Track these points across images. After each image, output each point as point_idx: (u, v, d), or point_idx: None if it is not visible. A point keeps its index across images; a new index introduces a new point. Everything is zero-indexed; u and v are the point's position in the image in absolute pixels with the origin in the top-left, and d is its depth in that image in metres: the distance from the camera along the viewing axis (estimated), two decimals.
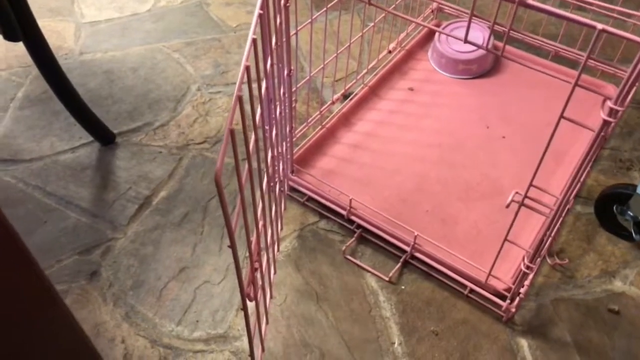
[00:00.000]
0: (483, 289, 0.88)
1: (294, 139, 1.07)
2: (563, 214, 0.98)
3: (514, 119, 1.16)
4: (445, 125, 1.14)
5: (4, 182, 1.05)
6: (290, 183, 1.03)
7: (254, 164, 0.65)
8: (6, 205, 1.01)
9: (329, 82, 1.24)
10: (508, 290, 0.86)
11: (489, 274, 0.86)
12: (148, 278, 0.92)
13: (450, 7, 1.38)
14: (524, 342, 0.85)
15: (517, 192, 0.72)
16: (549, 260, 0.94)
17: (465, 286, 0.90)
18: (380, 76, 1.23)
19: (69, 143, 1.12)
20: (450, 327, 0.86)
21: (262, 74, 0.59)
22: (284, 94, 0.84)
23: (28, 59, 0.98)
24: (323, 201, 1.00)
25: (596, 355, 0.83)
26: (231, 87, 1.25)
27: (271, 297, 0.88)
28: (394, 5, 1.26)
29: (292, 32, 0.87)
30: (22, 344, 0.46)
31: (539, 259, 0.92)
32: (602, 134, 0.59)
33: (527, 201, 0.71)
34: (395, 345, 0.84)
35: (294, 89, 0.91)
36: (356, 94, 1.19)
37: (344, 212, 0.98)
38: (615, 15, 1.12)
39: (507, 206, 0.71)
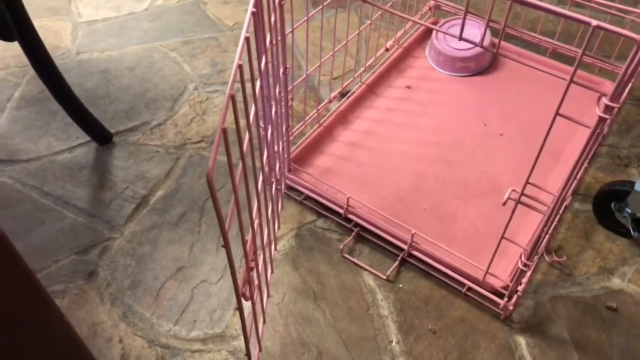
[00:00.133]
0: (481, 287, 0.88)
1: (291, 138, 1.07)
2: (560, 211, 0.98)
3: (512, 116, 1.15)
4: (443, 123, 1.14)
5: (1, 183, 1.05)
6: (288, 182, 1.03)
7: (249, 163, 0.65)
8: (3, 205, 1.01)
9: (326, 80, 1.24)
10: (506, 288, 0.85)
11: (487, 272, 0.85)
12: (145, 278, 0.91)
13: (448, 5, 1.38)
14: (522, 340, 0.85)
15: (513, 190, 0.71)
16: (547, 258, 0.94)
17: (463, 284, 0.90)
18: (378, 74, 1.23)
19: (66, 143, 1.12)
20: (448, 325, 0.86)
21: (256, 73, 0.59)
22: (279, 92, 0.84)
23: (25, 59, 0.98)
24: (320, 200, 1.00)
25: (594, 352, 0.83)
26: (228, 86, 1.25)
27: (268, 296, 0.88)
28: (390, 3, 1.26)
29: (288, 30, 0.87)
30: (13, 346, 0.46)
31: (536, 257, 0.92)
32: (598, 130, 0.59)
33: (523, 199, 0.71)
34: (393, 343, 0.84)
35: (290, 88, 0.91)
36: (353, 92, 1.19)
37: (341, 211, 0.97)
38: (613, 12, 1.12)
39: (504, 204, 0.71)
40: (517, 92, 1.21)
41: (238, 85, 0.51)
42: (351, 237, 0.96)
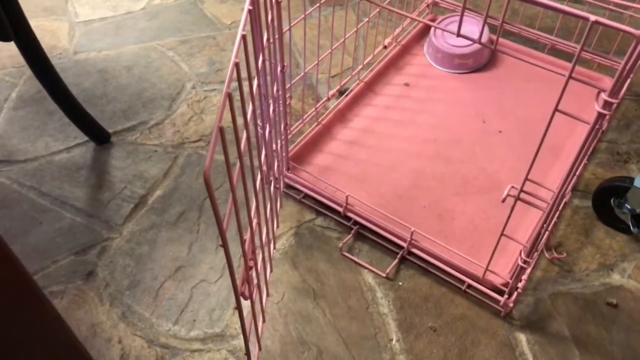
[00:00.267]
0: (481, 284, 0.88)
1: (290, 136, 1.07)
2: (560, 208, 0.98)
3: (511, 113, 1.15)
4: (441, 121, 1.14)
5: None
6: (286, 180, 1.03)
7: (247, 162, 0.65)
8: (1, 206, 1.01)
9: (324, 78, 1.24)
10: (506, 285, 0.85)
11: (487, 269, 0.85)
12: (144, 278, 0.91)
13: (446, 2, 1.38)
14: (522, 337, 0.84)
15: (513, 187, 0.71)
16: (546, 254, 0.94)
17: (462, 282, 0.89)
18: (376, 72, 1.23)
19: (64, 143, 1.12)
20: (448, 322, 0.86)
21: (253, 71, 0.59)
22: (277, 90, 0.84)
23: (21, 59, 0.98)
24: (319, 198, 1.00)
25: (594, 349, 0.83)
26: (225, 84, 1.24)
27: (268, 295, 0.88)
28: (388, 0, 1.25)
29: (286, 28, 0.86)
30: (10, 348, 0.45)
31: (536, 254, 0.92)
32: (597, 126, 0.59)
33: (523, 195, 0.71)
34: (393, 341, 0.84)
35: (288, 86, 0.91)
36: (352, 90, 1.18)
37: (340, 209, 0.97)
38: (611, 7, 1.12)
39: (503, 201, 0.71)
40: (516, 88, 1.21)
41: (235, 84, 0.50)
42: (350, 235, 0.96)
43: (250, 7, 0.56)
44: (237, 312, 0.87)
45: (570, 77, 0.56)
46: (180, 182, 1.05)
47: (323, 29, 1.35)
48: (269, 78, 0.75)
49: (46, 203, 1.01)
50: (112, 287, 0.90)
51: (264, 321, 0.84)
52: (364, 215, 0.96)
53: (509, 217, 0.74)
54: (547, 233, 0.93)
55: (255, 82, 0.60)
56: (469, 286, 0.89)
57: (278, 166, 0.95)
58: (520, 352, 0.83)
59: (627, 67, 0.53)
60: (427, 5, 1.39)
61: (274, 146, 0.88)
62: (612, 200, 0.94)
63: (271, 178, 0.86)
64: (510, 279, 0.84)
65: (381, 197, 1.00)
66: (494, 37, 1.30)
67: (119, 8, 1.46)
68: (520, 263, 0.80)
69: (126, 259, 0.94)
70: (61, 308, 0.88)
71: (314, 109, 1.12)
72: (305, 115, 1.12)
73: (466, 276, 0.89)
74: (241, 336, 0.84)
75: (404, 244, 0.92)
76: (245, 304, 0.80)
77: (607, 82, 1.19)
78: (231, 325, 0.86)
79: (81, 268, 0.92)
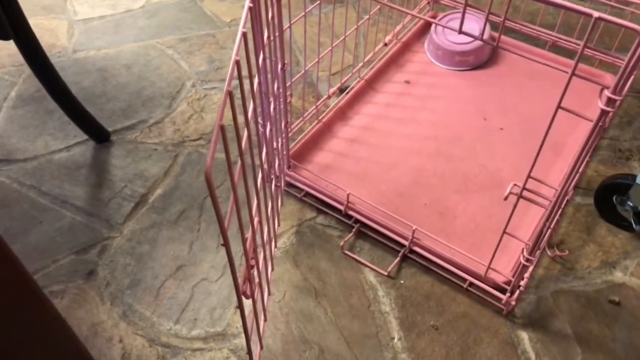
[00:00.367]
0: (483, 282, 0.88)
1: (290, 134, 1.06)
2: (562, 205, 0.97)
3: (512, 110, 1.15)
4: (442, 118, 1.13)
5: None
6: (287, 178, 1.02)
7: (248, 161, 0.64)
8: (1, 205, 1.00)
9: (325, 76, 1.23)
10: (508, 283, 0.85)
11: (489, 267, 0.85)
12: (145, 277, 0.91)
13: None
14: (524, 335, 0.84)
15: (515, 184, 0.71)
16: (548, 252, 0.93)
17: (464, 280, 0.89)
18: (377, 69, 1.22)
19: (64, 142, 1.12)
20: (450, 321, 0.86)
21: (253, 69, 0.58)
22: (278, 88, 0.83)
23: (21, 58, 0.97)
24: (320, 196, 1.00)
25: (597, 346, 0.83)
26: (226, 82, 1.24)
27: (269, 293, 0.87)
28: None
29: (286, 25, 0.86)
30: (10, 347, 0.45)
31: (538, 251, 0.91)
32: (600, 123, 0.58)
33: (525, 193, 0.71)
34: (395, 340, 0.84)
35: (288, 84, 0.90)
36: (352, 88, 1.18)
37: (341, 207, 0.97)
38: (612, 3, 1.11)
39: (506, 198, 0.71)
40: (517, 85, 1.20)
41: (236, 82, 0.50)
42: (352, 234, 0.96)
43: (251, 5, 0.56)
44: (238, 311, 0.87)
45: (573, 74, 0.56)
46: (180, 180, 1.05)
47: (323, 26, 1.35)
48: (269, 76, 0.75)
49: (46, 202, 1.01)
50: (112, 286, 0.90)
51: (265, 320, 0.84)
52: (365, 213, 0.95)
53: (511, 215, 0.74)
54: (549, 231, 0.93)
55: (256, 80, 0.60)
56: (471, 284, 0.89)
57: (279, 164, 0.95)
58: (522, 350, 0.83)
59: (631, 64, 0.53)
60: (428, 3, 1.38)
61: (274, 144, 0.88)
62: (614, 198, 0.94)
63: (272, 176, 0.85)
64: (513, 277, 0.84)
65: (382, 195, 0.99)
66: (495, 34, 1.30)
67: (118, 6, 1.45)
68: (522, 261, 0.79)
69: (127, 258, 0.93)
70: (62, 307, 0.88)
71: (314, 106, 1.12)
72: (306, 113, 1.11)
73: (468, 274, 0.89)
74: (242, 335, 0.84)
75: (406, 242, 0.92)
76: (247, 303, 0.80)
77: (609, 79, 1.19)
78: (232, 324, 0.85)
79: (82, 267, 0.92)
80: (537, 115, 1.14)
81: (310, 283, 0.90)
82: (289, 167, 1.02)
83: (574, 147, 1.07)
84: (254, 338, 0.77)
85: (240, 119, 1.07)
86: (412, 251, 0.93)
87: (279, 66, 0.82)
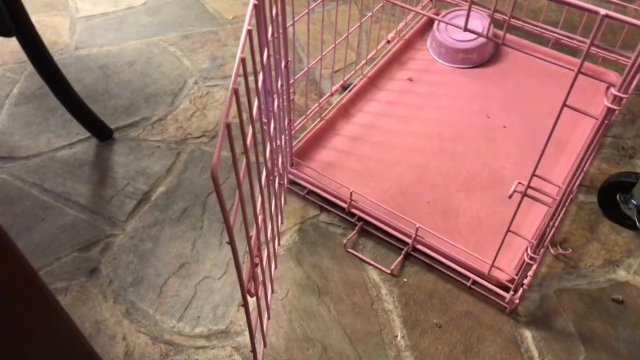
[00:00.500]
0: (486, 281, 0.88)
1: (293, 132, 1.06)
2: (566, 204, 0.97)
3: (515, 108, 1.15)
4: (445, 116, 1.13)
5: (0, 180, 1.04)
6: (290, 176, 1.02)
7: (252, 158, 0.64)
8: (3, 202, 1.00)
9: (328, 74, 1.23)
10: (511, 281, 0.85)
11: (492, 265, 0.85)
12: (148, 274, 0.91)
13: None
14: (527, 334, 0.84)
15: (519, 183, 0.71)
16: (552, 251, 0.93)
17: (467, 278, 0.89)
18: (379, 67, 1.22)
19: (66, 139, 1.11)
20: (453, 319, 0.86)
21: (258, 67, 0.58)
22: (281, 86, 0.83)
23: (23, 55, 0.97)
24: (323, 194, 0.99)
25: (600, 345, 0.83)
26: (228, 80, 1.24)
27: (272, 291, 0.87)
28: None
29: (289, 23, 0.86)
30: (15, 344, 0.45)
31: (542, 250, 0.91)
32: (606, 122, 0.58)
33: (530, 191, 0.70)
34: (398, 338, 0.84)
35: (291, 81, 0.90)
36: (355, 85, 1.18)
37: (344, 205, 0.97)
38: (616, 0, 1.11)
39: (510, 197, 0.70)
40: (520, 83, 1.20)
41: (239, 79, 0.50)
42: (355, 232, 0.95)
43: (256, 2, 0.56)
44: (241, 309, 0.87)
45: (579, 71, 0.55)
46: (183, 178, 1.05)
47: (326, 23, 1.34)
48: (273, 73, 0.75)
49: (49, 199, 1.01)
50: (115, 284, 0.90)
51: (268, 318, 0.83)
52: (368, 211, 0.95)
53: (515, 213, 0.74)
54: (553, 229, 0.93)
55: (260, 78, 0.60)
56: (474, 282, 0.89)
57: (282, 162, 0.95)
58: (525, 348, 0.83)
59: (638, 62, 0.52)
60: (430, 0, 1.38)
61: (277, 142, 0.88)
62: (618, 196, 0.94)
63: (275, 174, 0.85)
64: (516, 275, 0.84)
65: (385, 193, 0.99)
66: (497, 31, 1.29)
67: (120, 3, 1.45)
68: (526, 259, 0.79)
69: (130, 255, 0.93)
70: (65, 305, 0.88)
71: (317, 104, 1.12)
72: (309, 111, 1.11)
73: (471, 272, 0.89)
74: (245, 333, 0.84)
75: (409, 240, 0.92)
76: (250, 301, 0.79)
77: (612, 77, 1.19)
78: (235, 322, 0.85)
79: (84, 265, 0.92)
80: (540, 113, 1.13)
81: (313, 281, 0.90)
82: (291, 165, 1.02)
83: (577, 144, 1.07)
84: (258, 336, 0.77)
85: (243, 116, 1.06)
86: (415, 249, 0.93)
87: (283, 64, 0.82)
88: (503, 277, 0.86)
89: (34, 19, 0.94)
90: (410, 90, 1.19)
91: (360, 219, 0.97)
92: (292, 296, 0.88)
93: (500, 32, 0.64)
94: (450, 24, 0.71)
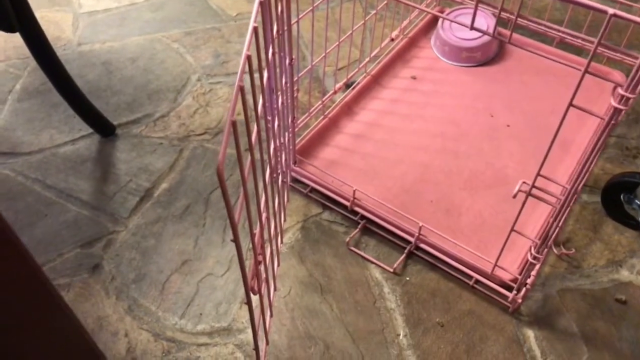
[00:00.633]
0: (489, 280, 0.87)
1: (296, 130, 1.06)
2: (571, 204, 0.97)
3: (519, 107, 1.14)
4: (448, 114, 1.13)
5: (3, 175, 1.04)
6: (293, 174, 1.02)
7: (257, 156, 0.64)
8: (6, 198, 1.00)
9: (331, 71, 1.23)
10: (514, 280, 0.85)
11: (495, 265, 0.85)
12: (150, 271, 0.91)
13: None
14: (530, 333, 0.84)
15: (524, 182, 0.70)
16: (555, 250, 0.93)
17: (470, 277, 0.89)
18: (383, 65, 1.22)
19: (69, 135, 1.11)
20: (456, 318, 0.85)
21: (263, 64, 0.58)
22: (285, 83, 0.83)
23: (26, 51, 0.97)
24: (326, 192, 0.99)
25: (603, 345, 0.83)
26: (232, 77, 1.24)
27: (275, 289, 0.87)
28: None
29: (294, 20, 0.85)
30: (18, 338, 0.45)
31: (545, 249, 0.91)
32: (612, 122, 0.58)
33: (534, 191, 0.70)
34: (401, 336, 0.84)
35: (295, 79, 0.90)
36: (358, 83, 1.17)
37: (347, 203, 0.97)
38: (622, 0, 1.11)
39: (514, 196, 0.70)
40: (524, 82, 1.19)
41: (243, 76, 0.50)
42: (357, 230, 0.95)
43: None
44: (243, 306, 0.86)
45: (586, 71, 0.55)
46: (186, 175, 1.04)
47: (330, 21, 1.34)
48: (277, 71, 0.75)
49: (51, 196, 1.01)
50: (118, 281, 0.90)
51: (271, 315, 0.83)
52: (371, 209, 0.95)
53: (520, 213, 0.74)
54: (557, 229, 0.93)
55: (265, 75, 0.60)
56: (477, 281, 0.89)
57: (285, 160, 0.95)
58: (528, 348, 0.82)
59: None
60: None
61: (281, 139, 0.88)
62: (621, 196, 0.93)
63: (278, 172, 0.85)
64: (519, 274, 0.84)
65: (388, 191, 0.99)
66: (501, 30, 1.29)
67: None
68: (530, 259, 0.79)
69: (132, 252, 0.93)
70: (67, 301, 0.87)
71: (320, 102, 1.12)
72: (312, 109, 1.11)
73: (474, 271, 0.89)
74: (248, 330, 0.84)
75: (412, 239, 0.92)
76: (253, 299, 0.79)
77: (617, 76, 1.18)
78: (238, 320, 0.85)
79: (87, 261, 0.92)
80: (544, 112, 1.13)
81: (316, 279, 0.90)
82: (294, 163, 1.01)
83: (582, 144, 1.06)
84: (260, 334, 0.77)
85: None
86: (418, 248, 0.93)
87: (287, 61, 0.81)
88: (506, 276, 0.86)
89: (37, 14, 0.94)
90: (414, 89, 1.18)
91: (363, 217, 0.96)
92: (294, 294, 0.88)
93: (504, 31, 0.64)
94: (456, 22, 0.71)
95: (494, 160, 1.05)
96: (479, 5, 0.65)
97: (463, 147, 1.07)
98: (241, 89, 0.46)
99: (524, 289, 0.84)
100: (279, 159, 0.84)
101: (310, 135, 1.07)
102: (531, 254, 0.78)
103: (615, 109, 0.56)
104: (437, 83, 1.20)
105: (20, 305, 0.44)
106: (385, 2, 1.19)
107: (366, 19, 1.14)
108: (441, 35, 1.23)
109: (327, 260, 0.92)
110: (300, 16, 0.93)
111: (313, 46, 1.22)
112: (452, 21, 0.68)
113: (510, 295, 0.84)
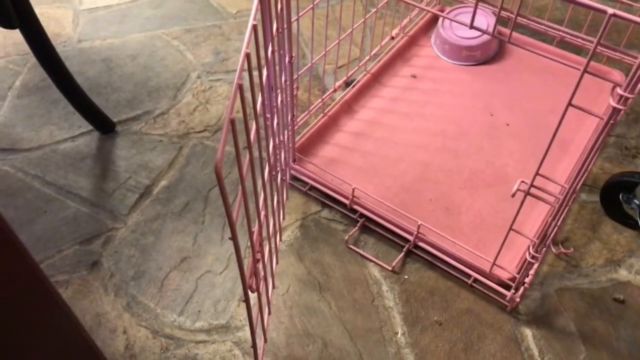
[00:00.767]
0: (487, 279, 0.88)
1: (296, 128, 1.06)
2: (570, 203, 0.97)
3: (518, 106, 1.14)
4: (448, 113, 1.13)
5: (2, 172, 1.04)
6: (293, 172, 1.02)
7: (255, 153, 0.64)
8: (5, 195, 1.00)
9: (331, 70, 1.23)
10: (512, 279, 0.85)
11: (494, 264, 0.85)
12: (149, 268, 0.91)
13: None
14: (528, 332, 0.84)
15: (523, 181, 0.70)
16: (553, 249, 0.93)
17: (469, 276, 0.89)
18: (383, 63, 1.22)
19: (69, 132, 1.11)
20: (454, 316, 0.86)
21: (262, 61, 0.58)
22: (285, 81, 0.83)
23: (26, 47, 0.97)
24: (325, 190, 0.99)
25: (601, 344, 0.83)
26: (231, 74, 1.24)
27: (273, 287, 0.87)
28: None
29: (294, 18, 0.85)
30: (16, 336, 0.45)
31: (544, 248, 0.91)
32: (611, 121, 0.58)
33: (533, 190, 0.70)
34: (399, 335, 0.84)
35: (295, 77, 0.90)
36: (358, 81, 1.17)
37: (346, 201, 0.97)
38: (621, 0, 1.10)
39: (513, 195, 0.70)
40: (524, 81, 1.19)
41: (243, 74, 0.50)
42: (356, 228, 0.95)
43: None
44: (241, 304, 0.87)
45: (585, 71, 0.55)
46: (185, 172, 1.04)
47: (330, 19, 1.34)
48: (277, 69, 0.75)
49: (51, 192, 1.01)
50: (117, 278, 0.90)
51: (269, 313, 0.84)
52: (370, 207, 0.95)
53: (518, 212, 0.74)
54: (555, 228, 0.93)
55: (264, 73, 0.60)
56: (476, 280, 0.89)
57: (284, 158, 0.95)
58: (526, 347, 0.83)
59: None
60: None
61: (280, 137, 0.88)
62: (620, 196, 0.93)
63: (278, 169, 0.85)
64: (518, 273, 0.84)
65: (387, 190, 0.99)
66: (501, 29, 1.29)
67: None
68: (528, 258, 0.79)
69: (131, 249, 0.93)
70: (66, 298, 0.88)
71: (320, 100, 1.12)
72: (312, 107, 1.11)
73: (473, 270, 0.89)
74: (246, 327, 0.84)
75: (410, 237, 0.92)
76: (251, 296, 0.79)
77: (617, 76, 1.18)
78: (236, 317, 0.85)
79: (86, 258, 0.92)
80: (543, 111, 1.13)
81: (314, 277, 0.90)
82: (294, 161, 1.01)
83: (581, 143, 1.06)
84: (258, 331, 0.77)
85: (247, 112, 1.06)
86: (416, 246, 0.93)
87: (287, 59, 0.81)
88: (504, 275, 0.86)
89: (37, 10, 0.93)
90: (414, 87, 1.18)
91: (362, 215, 0.96)
92: (293, 292, 0.88)
93: (505, 30, 0.64)
94: (456, 21, 0.71)
95: (494, 159, 1.05)
96: (479, 4, 0.65)
97: (463, 146, 1.07)
98: (240, 87, 0.46)
99: (522, 288, 0.84)
100: (278, 156, 0.84)
101: (310, 133, 1.07)
102: (530, 253, 0.78)
103: (614, 108, 0.56)
104: (437, 82, 1.20)
105: (17, 303, 0.44)
106: (386, 0, 1.19)
107: (366, 17, 1.14)
108: (441, 34, 1.23)
109: (325, 258, 0.92)
110: (300, 14, 0.93)
111: (313, 44, 1.22)
112: (452, 20, 0.68)
113: (508, 294, 0.84)
